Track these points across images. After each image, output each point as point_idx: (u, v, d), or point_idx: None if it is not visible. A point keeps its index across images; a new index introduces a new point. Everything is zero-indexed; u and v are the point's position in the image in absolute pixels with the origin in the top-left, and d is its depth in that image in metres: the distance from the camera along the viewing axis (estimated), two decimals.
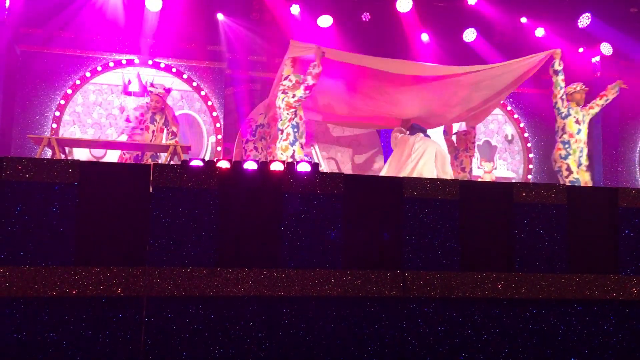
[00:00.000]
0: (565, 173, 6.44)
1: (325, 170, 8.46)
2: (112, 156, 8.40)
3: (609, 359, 3.65)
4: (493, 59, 10.14)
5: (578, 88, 6.71)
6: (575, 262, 3.70)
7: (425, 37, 9.96)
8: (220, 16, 9.41)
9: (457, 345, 3.50)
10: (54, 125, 8.52)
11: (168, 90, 7.03)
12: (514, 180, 9.97)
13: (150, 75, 8.96)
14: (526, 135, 10.45)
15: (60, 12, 8.56)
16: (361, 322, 3.40)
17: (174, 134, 6.81)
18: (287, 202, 3.42)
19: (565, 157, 6.42)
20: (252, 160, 3.50)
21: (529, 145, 10.50)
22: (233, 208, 3.38)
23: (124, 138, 7.72)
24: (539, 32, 9.93)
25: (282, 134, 5.99)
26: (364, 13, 9.53)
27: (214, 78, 9.35)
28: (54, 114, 8.62)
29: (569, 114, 6.52)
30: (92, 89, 8.90)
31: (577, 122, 6.52)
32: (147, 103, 7.01)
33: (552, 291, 3.62)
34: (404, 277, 3.46)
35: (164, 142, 6.66)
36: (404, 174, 6.41)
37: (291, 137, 5.93)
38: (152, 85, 7.19)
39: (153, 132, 6.74)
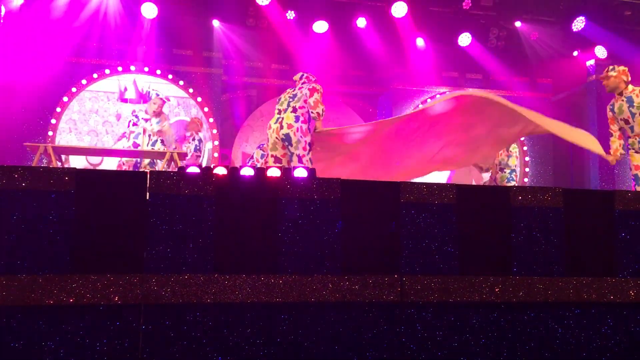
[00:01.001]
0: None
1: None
2: (109, 163, 8.40)
3: None
4: (488, 63, 10.20)
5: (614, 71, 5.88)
6: (573, 265, 3.71)
7: (420, 41, 10.01)
8: (216, 23, 9.44)
9: (456, 349, 3.49)
10: (50, 133, 8.52)
11: (167, 99, 7.60)
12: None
13: (146, 82, 8.97)
14: (522, 138, 10.48)
15: (56, 19, 8.57)
16: (359, 328, 3.40)
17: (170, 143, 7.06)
18: (284, 207, 3.42)
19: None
20: (249, 166, 3.50)
21: (525, 148, 10.53)
22: (230, 214, 3.37)
23: (124, 143, 7.74)
24: (534, 35, 9.99)
25: (318, 117, 5.54)
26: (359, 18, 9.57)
27: (210, 84, 9.38)
28: (50, 122, 8.63)
29: (612, 111, 5.95)
30: (88, 96, 8.90)
31: (612, 114, 5.94)
32: (149, 110, 7.15)
33: (549, 294, 3.62)
34: (402, 282, 3.46)
35: (161, 149, 6.65)
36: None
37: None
38: (156, 92, 7.78)
39: (149, 136, 6.87)
